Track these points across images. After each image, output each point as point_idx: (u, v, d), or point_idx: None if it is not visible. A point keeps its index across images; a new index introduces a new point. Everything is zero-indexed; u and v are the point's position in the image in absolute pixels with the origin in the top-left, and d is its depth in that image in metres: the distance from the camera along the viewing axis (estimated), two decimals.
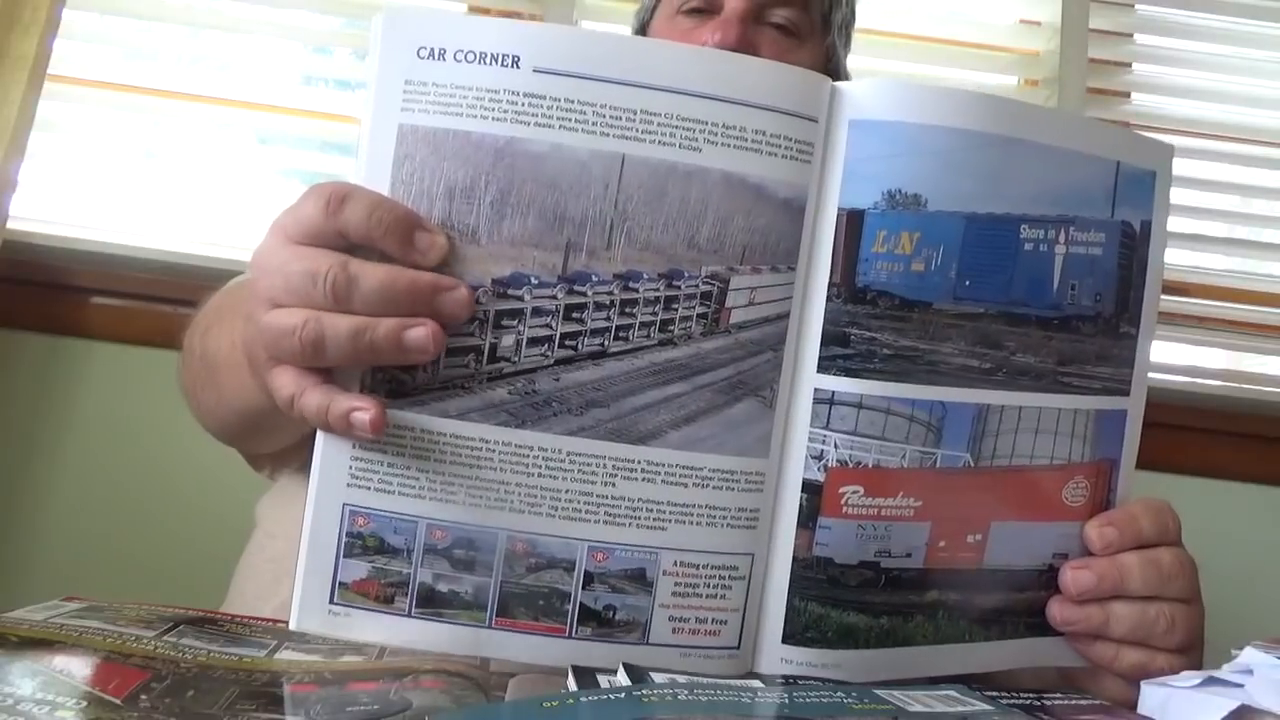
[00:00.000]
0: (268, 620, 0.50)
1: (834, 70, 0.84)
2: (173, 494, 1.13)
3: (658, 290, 0.45)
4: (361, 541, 0.45)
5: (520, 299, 0.44)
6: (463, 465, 0.44)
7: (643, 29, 0.85)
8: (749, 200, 0.45)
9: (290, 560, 0.62)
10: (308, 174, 1.31)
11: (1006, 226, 0.49)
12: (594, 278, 0.44)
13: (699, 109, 0.44)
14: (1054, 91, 1.31)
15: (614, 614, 0.46)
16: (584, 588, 0.45)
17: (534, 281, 0.44)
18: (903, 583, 0.48)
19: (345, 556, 0.45)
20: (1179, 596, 0.51)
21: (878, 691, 0.42)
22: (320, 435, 0.45)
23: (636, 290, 0.45)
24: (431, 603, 0.45)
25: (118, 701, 0.35)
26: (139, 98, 1.25)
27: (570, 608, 0.45)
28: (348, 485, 0.45)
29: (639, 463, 0.45)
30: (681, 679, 0.42)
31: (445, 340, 0.43)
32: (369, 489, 0.45)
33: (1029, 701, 0.44)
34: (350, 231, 0.43)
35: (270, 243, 0.45)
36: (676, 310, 0.46)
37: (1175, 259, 1.34)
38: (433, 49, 0.44)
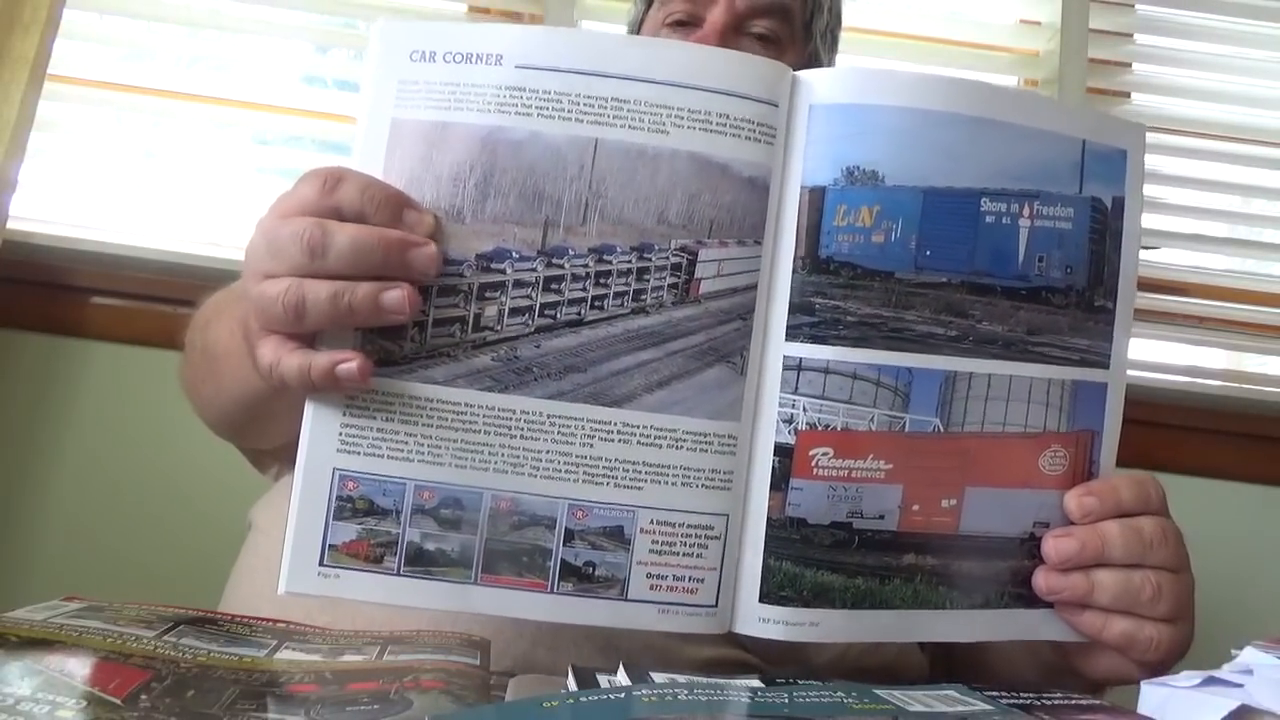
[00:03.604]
0: (268, 620, 0.51)
1: None
2: (172, 494, 1.13)
3: (630, 263, 0.49)
4: (351, 504, 0.47)
5: (502, 272, 0.48)
6: (448, 429, 0.47)
7: None
8: (715, 179, 0.49)
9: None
10: None
11: (966, 200, 0.51)
12: (570, 251, 0.48)
13: (666, 95, 0.48)
14: (1054, 92, 1.31)
15: (594, 570, 0.47)
16: (565, 544, 0.47)
17: (515, 255, 0.48)
18: (876, 545, 0.50)
19: (335, 519, 0.47)
20: (1164, 565, 0.52)
21: (878, 691, 0.42)
22: (309, 405, 0.47)
23: (610, 262, 0.48)
24: (419, 561, 0.47)
25: (118, 701, 0.35)
26: (139, 98, 1.25)
27: (552, 564, 0.47)
28: (337, 451, 0.47)
29: (615, 425, 0.48)
30: (681, 679, 0.42)
31: (419, 302, 0.46)
32: (359, 454, 0.47)
33: (1029, 701, 0.44)
34: (344, 209, 0.46)
35: (265, 221, 0.48)
36: (648, 281, 0.49)
37: (1175, 259, 1.34)
38: (424, 52, 0.49)
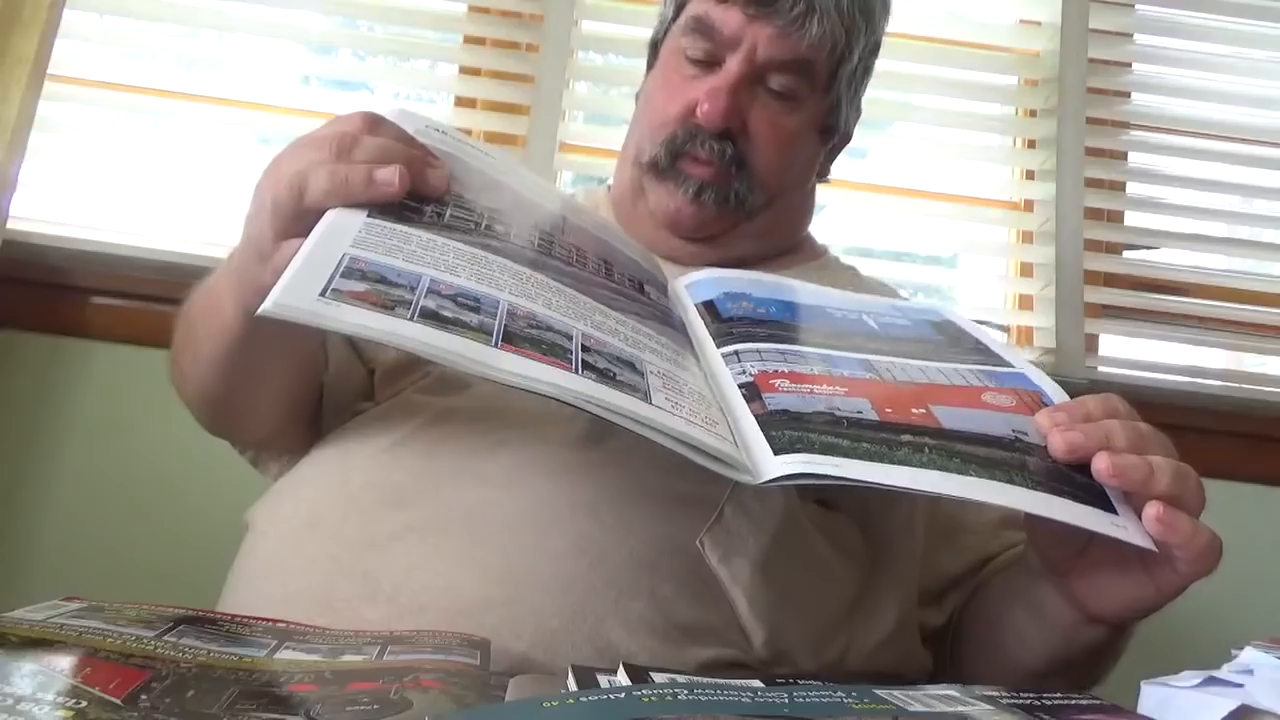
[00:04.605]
0: (268, 620, 0.50)
1: (834, 123, 0.83)
2: (172, 494, 1.13)
3: (600, 264, 0.60)
4: (361, 273, 0.44)
5: (507, 226, 0.56)
6: (464, 260, 0.49)
7: (655, 46, 0.86)
8: (645, 270, 0.65)
9: (281, 557, 0.62)
10: None
11: (815, 309, 0.67)
12: (556, 239, 0.59)
13: (601, 230, 0.66)
14: (1054, 91, 1.31)
15: (615, 375, 0.47)
16: (582, 352, 0.47)
17: (515, 227, 0.57)
18: (868, 425, 0.50)
19: (343, 276, 0.43)
20: (1171, 457, 0.52)
21: (878, 691, 0.42)
22: (328, 214, 0.49)
23: (586, 257, 0.59)
24: (435, 320, 0.43)
25: (118, 701, 0.35)
26: (139, 98, 1.25)
27: (573, 356, 0.46)
28: (352, 245, 0.46)
29: (610, 315, 0.54)
30: (681, 679, 0.42)
31: (409, 181, 0.51)
32: (375, 252, 0.46)
33: (1029, 701, 0.44)
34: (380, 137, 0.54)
35: (292, 145, 0.54)
36: (614, 274, 0.61)
37: (1175, 259, 1.34)
38: (436, 128, 0.60)
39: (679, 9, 0.82)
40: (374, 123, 0.54)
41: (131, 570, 1.11)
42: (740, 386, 0.53)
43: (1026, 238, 1.34)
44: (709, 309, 0.64)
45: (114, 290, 1.17)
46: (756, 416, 0.50)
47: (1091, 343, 1.28)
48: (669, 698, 0.37)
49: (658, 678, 0.43)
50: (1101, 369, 1.26)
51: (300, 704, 0.38)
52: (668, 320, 0.60)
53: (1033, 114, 1.35)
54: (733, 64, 0.76)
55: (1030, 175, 1.35)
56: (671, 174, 0.77)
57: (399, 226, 0.49)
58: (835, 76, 0.80)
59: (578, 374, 0.44)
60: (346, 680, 0.41)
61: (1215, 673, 0.43)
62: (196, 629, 0.46)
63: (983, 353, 0.63)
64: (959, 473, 0.47)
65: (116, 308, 1.17)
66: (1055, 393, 0.57)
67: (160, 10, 1.27)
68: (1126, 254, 1.33)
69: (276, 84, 1.30)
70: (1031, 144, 1.35)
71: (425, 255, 0.48)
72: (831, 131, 0.84)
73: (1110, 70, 1.34)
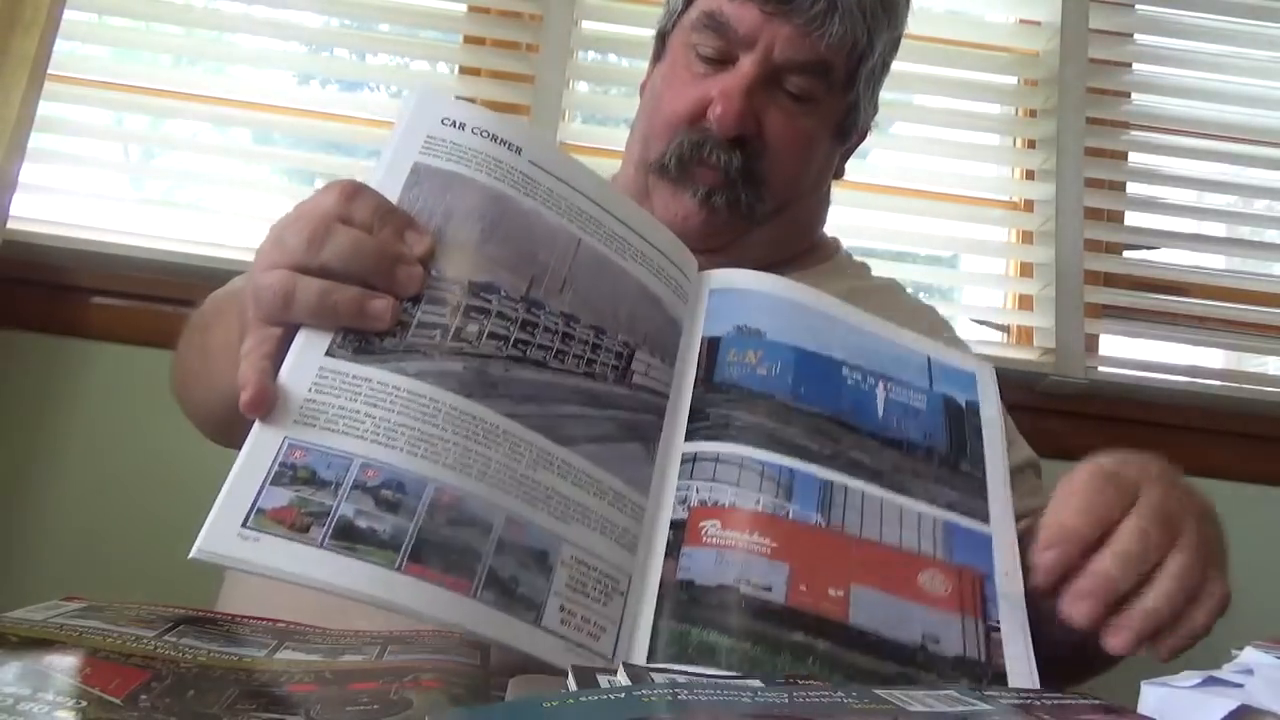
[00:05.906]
0: (268, 620, 0.50)
1: (850, 124, 0.81)
2: (173, 494, 1.13)
3: (589, 336, 0.56)
4: (293, 471, 0.46)
5: (489, 301, 0.53)
6: (408, 417, 0.48)
7: (662, 39, 0.83)
8: (651, 306, 0.60)
9: None
10: (307, 174, 1.31)
11: (830, 364, 0.61)
12: (547, 308, 0.54)
13: (627, 234, 0.60)
14: (1054, 91, 1.31)
15: (516, 587, 0.47)
16: (495, 554, 0.47)
17: (503, 294, 0.53)
18: (764, 614, 0.50)
19: (272, 484, 0.45)
20: (1171, 553, 0.51)
21: (878, 691, 0.42)
22: (280, 375, 0.48)
23: (574, 330, 0.55)
24: (347, 537, 0.45)
25: (118, 701, 0.35)
26: (139, 98, 1.25)
27: (480, 567, 0.47)
28: (294, 421, 0.47)
29: (557, 459, 0.52)
30: (681, 679, 0.42)
31: (399, 316, 0.50)
32: (315, 426, 0.47)
33: (1029, 701, 0.44)
34: (355, 218, 0.50)
35: (281, 219, 0.51)
36: (599, 356, 0.56)
37: (1175, 259, 1.34)
38: (455, 120, 0.56)
39: (688, 1, 0.79)
40: (351, 196, 0.50)
41: (131, 570, 1.11)
42: (672, 526, 0.54)
43: (1026, 238, 1.34)
44: (710, 353, 0.60)
45: (114, 290, 1.17)
46: (662, 584, 0.52)
47: (1091, 343, 1.28)
48: (669, 698, 0.37)
49: (658, 678, 0.43)
50: (1101, 369, 1.26)
51: (300, 704, 0.38)
52: (636, 424, 0.56)
53: (1032, 114, 1.35)
54: (747, 64, 0.73)
55: (1030, 175, 1.35)
56: (680, 178, 0.75)
57: (352, 369, 0.49)
58: (855, 76, 0.76)
59: (474, 596, 0.46)
60: (346, 680, 0.41)
61: (1215, 673, 0.43)
62: (196, 629, 0.46)
63: (972, 484, 0.60)
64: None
65: (117, 308, 1.17)
66: (1004, 578, 0.56)
67: (160, 10, 1.27)
68: (1126, 254, 1.33)
69: (276, 84, 1.29)
70: (1031, 144, 1.35)
71: (367, 416, 0.48)
72: (849, 131, 0.81)
73: (1110, 70, 1.34)
